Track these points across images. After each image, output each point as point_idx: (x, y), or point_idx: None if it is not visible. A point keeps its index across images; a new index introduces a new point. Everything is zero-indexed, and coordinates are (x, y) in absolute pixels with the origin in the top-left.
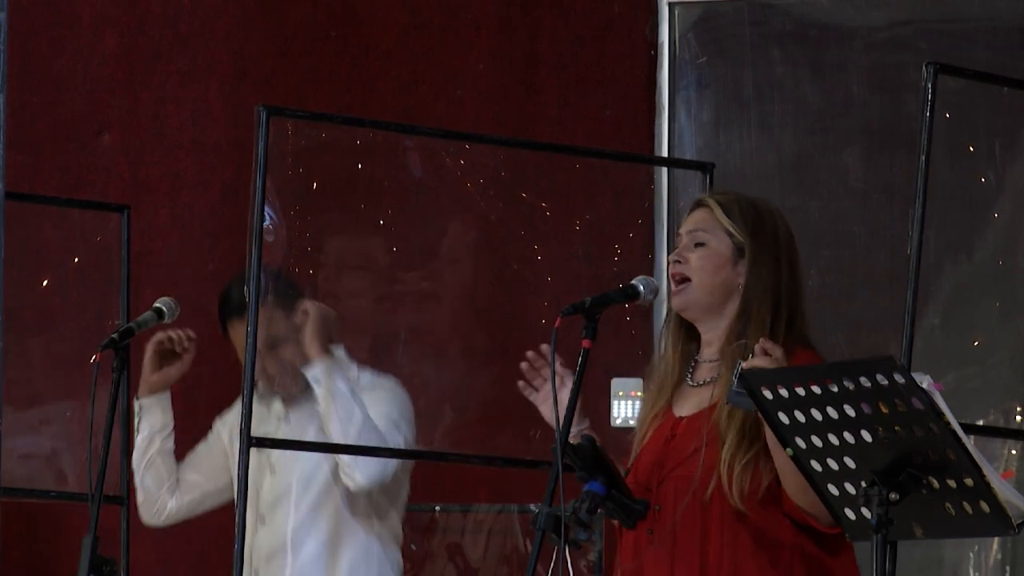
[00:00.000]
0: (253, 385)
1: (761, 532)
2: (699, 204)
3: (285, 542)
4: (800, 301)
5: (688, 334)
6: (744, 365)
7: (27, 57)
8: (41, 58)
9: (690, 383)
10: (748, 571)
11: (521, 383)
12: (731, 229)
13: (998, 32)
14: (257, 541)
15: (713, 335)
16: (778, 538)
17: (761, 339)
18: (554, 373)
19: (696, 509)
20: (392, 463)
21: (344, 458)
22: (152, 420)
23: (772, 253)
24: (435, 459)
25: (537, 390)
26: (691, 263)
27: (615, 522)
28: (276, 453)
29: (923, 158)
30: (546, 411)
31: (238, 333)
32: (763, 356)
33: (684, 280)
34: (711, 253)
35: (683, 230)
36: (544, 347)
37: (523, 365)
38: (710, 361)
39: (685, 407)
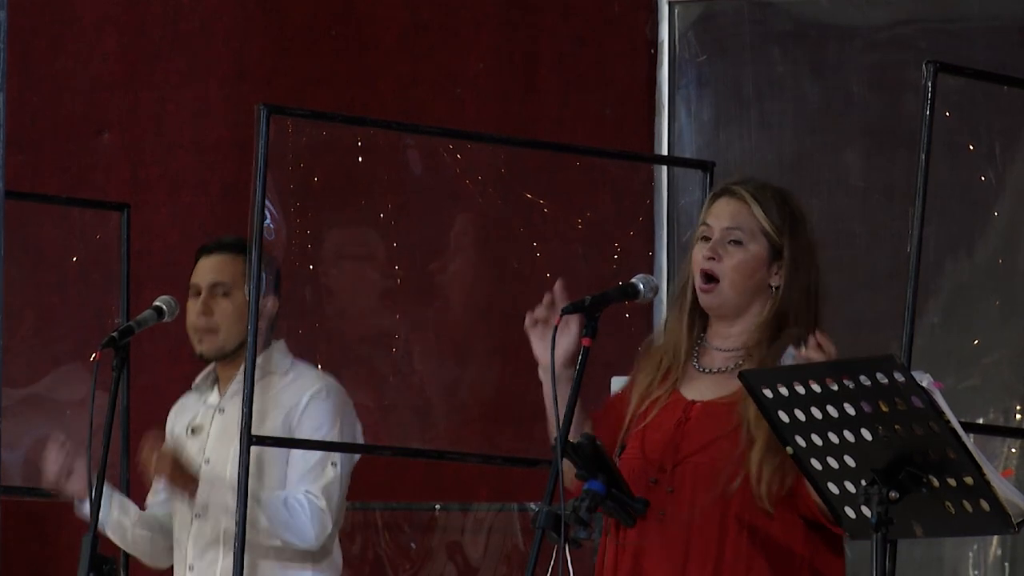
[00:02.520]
0: (253, 384)
1: (778, 529)
2: (730, 193)
3: (219, 536)
4: (824, 299)
5: (698, 317)
6: (800, 354)
7: (27, 57)
8: (41, 58)
9: (697, 367)
10: (761, 565)
11: (528, 321)
12: (769, 229)
13: (998, 32)
14: (193, 533)
15: (735, 329)
16: (792, 537)
17: (817, 332)
18: (554, 373)
19: (717, 499)
20: (331, 508)
21: (275, 525)
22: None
23: (808, 253)
24: (435, 458)
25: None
26: (725, 263)
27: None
28: (209, 444)
29: (923, 157)
30: (538, 348)
31: (200, 264)
32: (816, 350)
33: (714, 278)
34: (749, 256)
35: (716, 224)
36: (554, 293)
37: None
38: (728, 351)
39: (695, 391)
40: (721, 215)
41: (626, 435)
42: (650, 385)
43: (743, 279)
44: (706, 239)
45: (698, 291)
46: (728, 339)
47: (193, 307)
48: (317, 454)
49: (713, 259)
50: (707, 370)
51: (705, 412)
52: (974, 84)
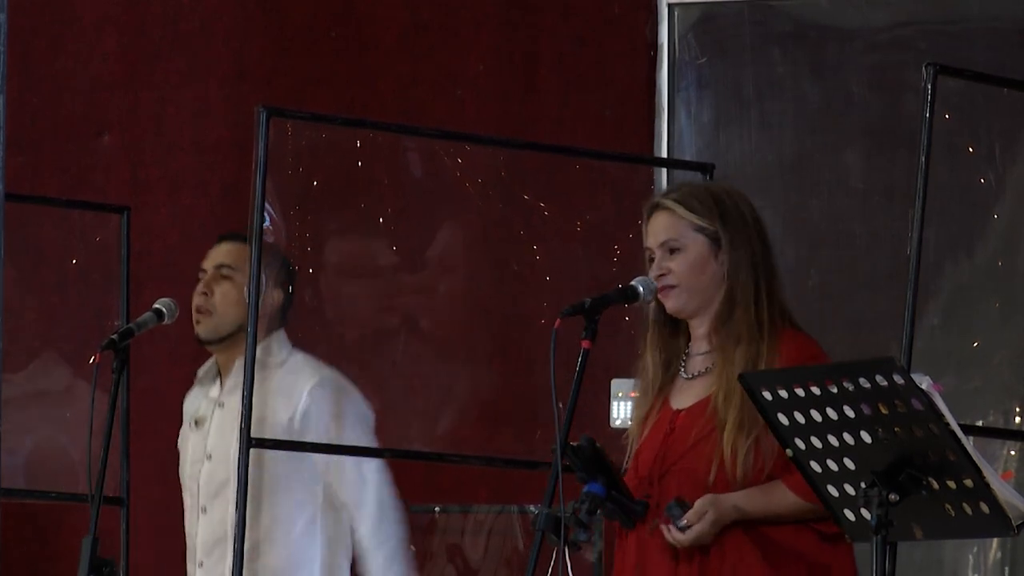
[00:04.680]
0: (252, 386)
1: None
2: (656, 208)
3: (226, 532)
4: (777, 273)
5: (673, 330)
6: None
7: (27, 57)
8: (41, 58)
9: (684, 376)
10: (751, 560)
11: None
12: (701, 223)
13: (998, 33)
14: (199, 530)
15: (706, 328)
16: (783, 529)
17: (691, 513)
18: (554, 374)
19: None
20: (398, 520)
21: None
22: None
23: (743, 231)
24: (435, 459)
25: None
26: (675, 271)
27: (615, 522)
28: (211, 440)
29: (923, 158)
30: None
31: (212, 251)
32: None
33: (672, 287)
34: (692, 256)
35: (652, 244)
36: None
37: None
38: (702, 353)
39: (682, 400)
40: (656, 232)
41: (630, 460)
42: (644, 409)
43: (695, 277)
44: (652, 260)
45: (662, 301)
46: (703, 340)
47: (196, 290)
48: (354, 470)
49: (663, 275)
50: (691, 376)
51: (687, 419)
52: (974, 86)
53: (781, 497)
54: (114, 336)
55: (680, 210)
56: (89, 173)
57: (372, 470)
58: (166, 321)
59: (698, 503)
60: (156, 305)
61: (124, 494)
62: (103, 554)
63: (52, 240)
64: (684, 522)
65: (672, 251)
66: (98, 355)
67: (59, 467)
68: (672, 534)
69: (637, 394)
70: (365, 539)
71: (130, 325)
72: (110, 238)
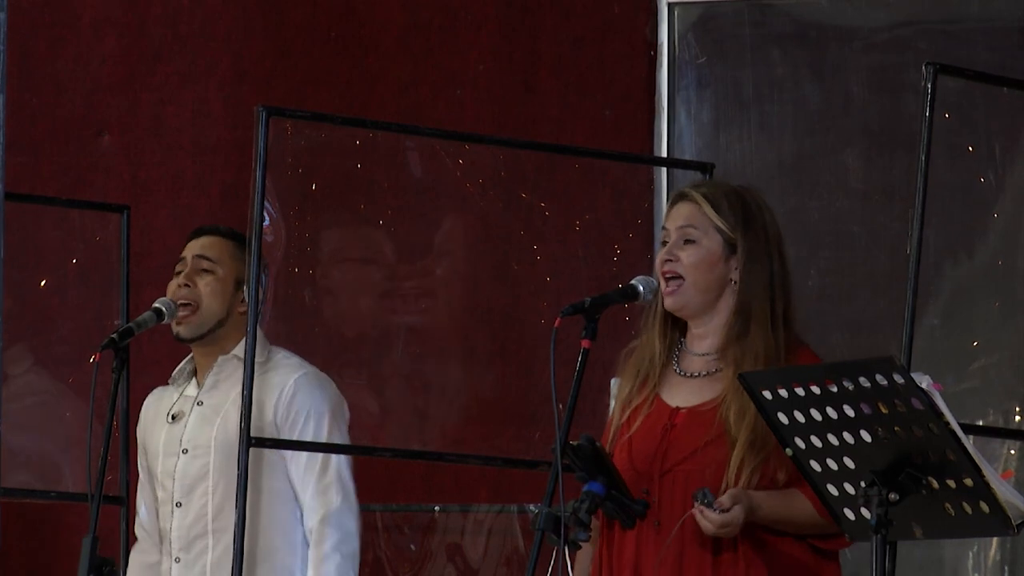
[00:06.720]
0: (252, 385)
1: (773, 533)
2: (683, 197)
3: (205, 527)
4: (791, 291)
5: (673, 322)
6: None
7: (27, 57)
8: (41, 58)
9: (678, 372)
10: (758, 571)
11: None
12: (722, 225)
13: (998, 32)
14: (174, 525)
15: (706, 329)
16: (787, 541)
17: (725, 498)
18: (554, 373)
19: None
20: (350, 497)
21: (325, 544)
22: None
23: (763, 246)
24: (435, 459)
25: None
26: (683, 261)
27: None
28: (188, 435)
29: (923, 158)
30: None
31: (189, 244)
32: (720, 519)
33: (676, 277)
34: (703, 252)
35: (670, 225)
36: None
37: None
38: (704, 355)
39: (678, 397)
40: (676, 217)
41: (612, 446)
42: (630, 393)
43: (703, 275)
44: (665, 243)
45: (663, 295)
46: (704, 341)
47: (174, 282)
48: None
49: (671, 260)
50: (687, 374)
51: (690, 419)
52: (974, 85)
53: (800, 505)
54: (114, 336)
55: (706, 206)
56: (89, 174)
57: (344, 466)
58: (166, 320)
59: (731, 491)
60: (156, 304)
61: (124, 494)
62: (103, 554)
63: (52, 240)
64: (718, 505)
65: (687, 241)
66: (98, 355)
67: (59, 467)
68: (705, 515)
69: (629, 374)
70: (318, 531)
71: (130, 324)
72: (110, 238)
